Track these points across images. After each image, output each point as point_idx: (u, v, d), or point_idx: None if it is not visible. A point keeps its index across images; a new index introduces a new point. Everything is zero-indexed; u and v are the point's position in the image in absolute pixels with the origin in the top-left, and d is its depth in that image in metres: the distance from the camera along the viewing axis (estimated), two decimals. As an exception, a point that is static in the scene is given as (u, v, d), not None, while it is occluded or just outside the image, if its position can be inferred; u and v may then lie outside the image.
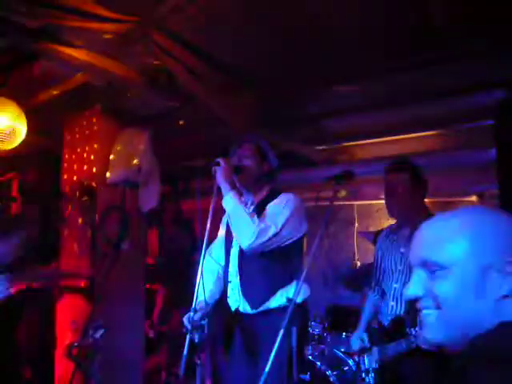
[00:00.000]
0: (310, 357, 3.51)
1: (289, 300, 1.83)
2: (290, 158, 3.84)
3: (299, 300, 1.93)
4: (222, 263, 2.37)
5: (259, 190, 2.30)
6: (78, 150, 3.69)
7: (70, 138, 3.81)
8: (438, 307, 0.86)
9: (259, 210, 2.17)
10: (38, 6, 2.17)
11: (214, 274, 2.37)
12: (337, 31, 2.40)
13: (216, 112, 3.26)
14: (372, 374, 2.32)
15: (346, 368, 3.48)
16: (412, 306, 0.91)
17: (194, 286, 2.02)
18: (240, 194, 2.20)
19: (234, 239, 2.23)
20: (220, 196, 2.12)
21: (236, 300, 2.24)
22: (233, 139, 2.38)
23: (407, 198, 2.26)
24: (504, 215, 0.89)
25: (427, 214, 2.16)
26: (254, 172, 2.26)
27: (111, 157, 3.50)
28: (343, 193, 4.45)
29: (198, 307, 2.05)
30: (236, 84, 3.03)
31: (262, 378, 1.67)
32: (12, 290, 2.86)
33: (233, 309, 2.26)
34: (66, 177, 3.76)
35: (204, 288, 2.04)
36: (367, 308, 2.52)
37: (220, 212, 2.20)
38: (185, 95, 3.19)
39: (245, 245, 2.06)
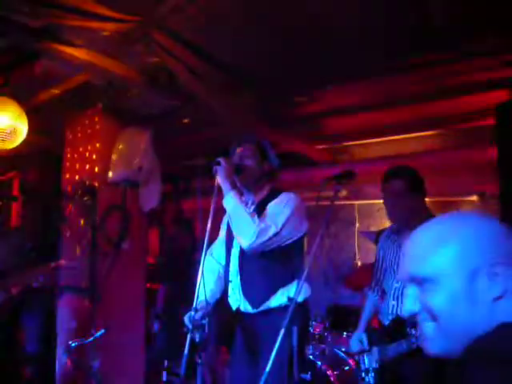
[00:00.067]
0: (311, 356, 3.51)
1: (290, 299, 1.83)
2: (290, 158, 3.84)
3: (300, 299, 1.93)
4: (223, 263, 2.37)
5: (260, 189, 2.30)
6: (80, 149, 3.68)
7: (71, 136, 3.80)
8: (435, 319, 0.86)
9: (260, 210, 2.17)
10: (41, 5, 2.17)
11: (214, 273, 2.37)
12: (337, 31, 2.41)
13: (216, 111, 3.26)
14: (372, 374, 2.31)
15: (346, 368, 3.48)
16: (412, 320, 0.91)
17: (195, 286, 2.02)
18: (240, 194, 2.20)
19: (234, 239, 2.23)
20: (221, 196, 2.12)
21: (237, 299, 2.24)
22: (233, 139, 2.38)
23: (406, 206, 2.25)
24: (484, 217, 0.89)
25: (428, 215, 2.15)
26: (255, 172, 2.25)
27: (113, 156, 3.50)
28: (344, 192, 4.44)
29: (198, 306, 2.05)
30: (236, 84, 3.04)
31: (263, 378, 1.68)
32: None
33: (233, 308, 2.26)
34: (67, 176, 3.76)
35: (205, 287, 2.04)
36: (367, 308, 2.52)
37: (221, 212, 2.20)
38: (185, 95, 3.20)
39: (245, 244, 2.06)
